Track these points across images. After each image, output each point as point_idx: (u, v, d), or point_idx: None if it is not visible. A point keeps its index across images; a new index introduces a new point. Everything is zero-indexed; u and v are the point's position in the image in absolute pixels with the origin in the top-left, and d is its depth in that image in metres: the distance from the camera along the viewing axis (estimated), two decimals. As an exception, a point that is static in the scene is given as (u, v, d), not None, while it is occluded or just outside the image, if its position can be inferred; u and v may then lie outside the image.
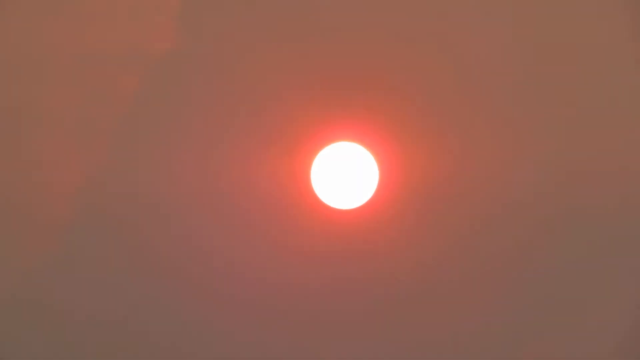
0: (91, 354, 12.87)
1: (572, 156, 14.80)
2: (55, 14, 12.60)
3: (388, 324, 13.63)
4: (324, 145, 13.63)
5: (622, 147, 14.64)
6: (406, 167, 13.67)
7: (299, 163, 13.68)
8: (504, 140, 14.42)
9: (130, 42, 12.58)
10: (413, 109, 13.79)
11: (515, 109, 14.51)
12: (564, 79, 14.42)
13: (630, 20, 15.47)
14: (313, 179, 13.51)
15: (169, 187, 13.08)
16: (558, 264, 14.58)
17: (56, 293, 12.68)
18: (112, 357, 12.81)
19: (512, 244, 14.40)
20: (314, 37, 13.49)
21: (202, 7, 13.06)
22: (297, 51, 13.39)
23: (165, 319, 13.24)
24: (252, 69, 13.36)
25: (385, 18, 13.44)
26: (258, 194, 13.28)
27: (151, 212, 12.97)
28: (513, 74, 14.11)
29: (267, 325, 13.44)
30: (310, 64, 13.44)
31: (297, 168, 13.64)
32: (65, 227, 12.79)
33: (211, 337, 13.13)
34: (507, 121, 14.44)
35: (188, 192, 13.08)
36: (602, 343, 13.77)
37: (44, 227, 12.32)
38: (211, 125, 13.36)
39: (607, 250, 14.60)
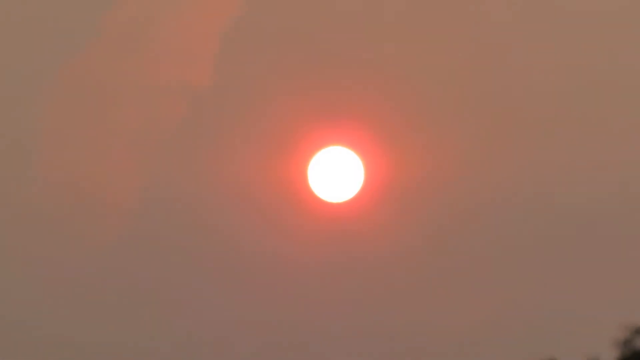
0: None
1: (535, 157, 17.56)
2: (127, 55, 16.15)
3: (369, 291, 16.36)
4: (319, 149, 16.64)
5: (582, 148, 17.47)
6: (388, 167, 16.62)
7: (298, 164, 16.72)
8: (472, 145, 17.26)
9: (178, 77, 16.14)
10: (393, 121, 16.77)
11: (482, 120, 17.49)
12: (515, 95, 17.59)
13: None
14: (310, 176, 16.45)
15: (203, 183, 16.21)
16: (522, 251, 17.22)
17: (121, 269, 15.78)
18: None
19: (481, 234, 17.13)
20: (318, 75, 16.84)
21: (234, 51, 16.58)
22: (303, 84, 16.62)
23: (200, 284, 16.17)
24: (268, 98, 16.63)
25: (366, 57, 16.64)
26: (267, 189, 16.32)
27: (186, 203, 16.10)
28: (472, 93, 17.28)
29: (270, 294, 16.25)
30: (315, 95, 16.67)
31: (296, 169, 16.67)
32: (130, 215, 15.99)
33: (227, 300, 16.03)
34: (474, 130, 17.34)
35: (216, 188, 16.14)
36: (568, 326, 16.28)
37: (114, 215, 15.46)
38: (236, 139, 16.60)
39: (574, 242, 17.18)
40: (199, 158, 17.06)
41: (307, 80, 17.79)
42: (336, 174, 16.99)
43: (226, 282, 16.41)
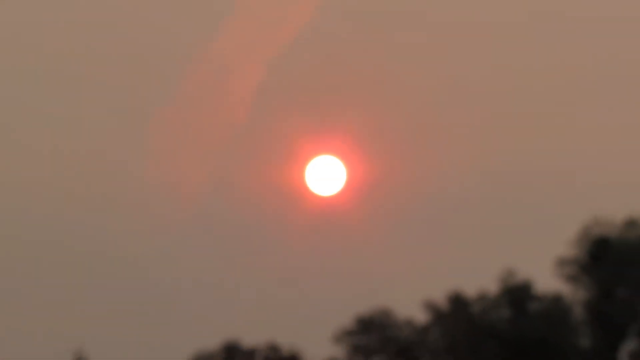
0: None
1: (489, 158, 24.81)
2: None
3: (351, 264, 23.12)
4: (313, 157, 23.16)
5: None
6: (363, 170, 23.35)
7: (300, 168, 23.31)
8: (437, 150, 24.38)
9: (216, 113, 23.10)
10: (366, 138, 23.69)
11: (444, 131, 24.60)
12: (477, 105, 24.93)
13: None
14: (306, 177, 22.97)
15: (240, 182, 23.37)
16: (479, 243, 24.14)
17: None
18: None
19: (442, 224, 24.11)
20: (313, 109, 23.92)
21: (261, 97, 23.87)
22: (310, 115, 23.62)
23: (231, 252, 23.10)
24: (285, 127, 23.57)
25: (351, 82, 23.70)
26: (279, 186, 23.20)
27: (226, 196, 23.10)
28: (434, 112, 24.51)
29: (279, 255, 23.06)
30: (311, 122, 23.63)
31: (298, 171, 23.25)
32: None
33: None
34: (439, 138, 24.55)
35: (246, 184, 23.22)
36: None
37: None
38: (256, 152, 23.48)
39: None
40: (238, 164, 24.22)
41: (306, 114, 25.11)
42: (325, 174, 23.43)
43: (249, 248, 23.16)
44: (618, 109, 26.51)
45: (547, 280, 20.38)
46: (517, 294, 20.34)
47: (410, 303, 22.39)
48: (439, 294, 20.51)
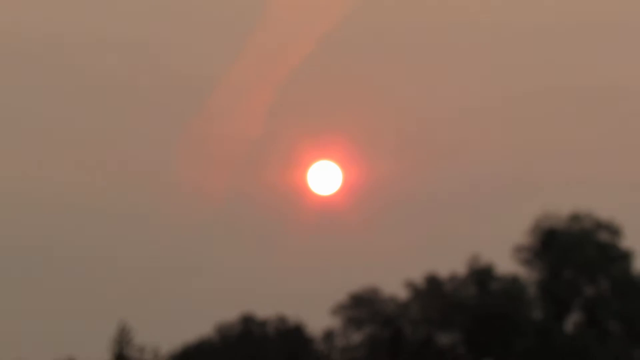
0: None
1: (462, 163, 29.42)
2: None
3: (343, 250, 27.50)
4: (314, 162, 27.60)
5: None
6: (355, 173, 27.79)
7: (303, 171, 27.86)
8: (416, 158, 28.90)
9: (233, 129, 28.07)
10: (359, 145, 28.22)
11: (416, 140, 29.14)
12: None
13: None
14: (309, 179, 27.43)
15: (251, 183, 28.42)
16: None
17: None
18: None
19: (420, 218, 28.53)
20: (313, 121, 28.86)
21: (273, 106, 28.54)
22: (311, 129, 28.56)
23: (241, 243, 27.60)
24: (291, 138, 28.45)
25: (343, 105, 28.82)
26: (285, 186, 27.77)
27: (237, 197, 27.76)
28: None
29: (284, 249, 27.66)
30: (318, 134, 28.52)
31: (301, 174, 27.77)
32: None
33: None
34: (418, 150, 29.11)
35: (257, 185, 28.00)
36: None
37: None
38: (268, 159, 28.34)
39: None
40: (253, 170, 29.26)
41: (308, 128, 30.41)
42: (324, 177, 27.83)
43: (262, 236, 27.95)
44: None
45: (506, 264, 24.74)
46: (482, 275, 24.70)
47: (393, 282, 26.72)
48: (418, 275, 24.76)
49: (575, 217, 24.63)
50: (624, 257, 24.55)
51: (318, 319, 25.23)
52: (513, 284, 24.67)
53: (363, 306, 25.45)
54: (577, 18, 34.88)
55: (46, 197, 30.97)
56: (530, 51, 35.63)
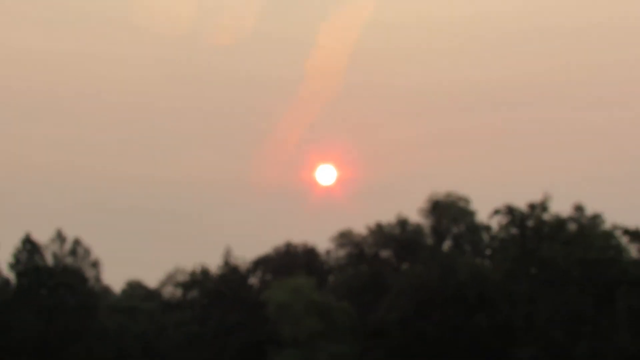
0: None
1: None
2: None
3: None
4: (319, 165, 54.96)
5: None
6: (347, 172, 54.89)
7: (312, 170, 56.56)
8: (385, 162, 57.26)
9: (281, 151, 57.82)
10: (350, 155, 55.29)
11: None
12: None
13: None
14: (316, 176, 54.49)
15: (278, 177, 57.87)
16: None
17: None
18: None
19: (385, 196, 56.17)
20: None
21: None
22: (319, 145, 57.13)
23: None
24: (307, 152, 56.67)
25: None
26: (300, 180, 57.36)
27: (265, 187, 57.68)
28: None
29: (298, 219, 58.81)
30: (324, 150, 57.01)
31: (310, 171, 56.53)
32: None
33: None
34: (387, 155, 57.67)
35: (282, 179, 57.06)
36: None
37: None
38: (296, 164, 56.43)
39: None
40: (289, 169, 61.84)
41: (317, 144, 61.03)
42: (325, 173, 55.24)
43: (286, 209, 56.48)
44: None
45: (416, 219, 51.34)
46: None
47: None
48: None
49: (448, 194, 49.94)
50: (471, 214, 50.15)
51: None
52: (418, 228, 50.44)
53: (346, 242, 51.82)
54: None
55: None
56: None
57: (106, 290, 63.56)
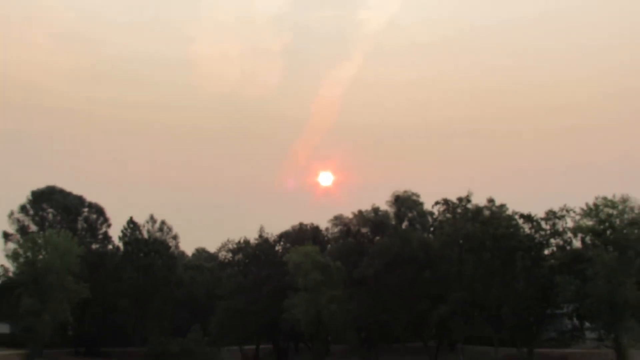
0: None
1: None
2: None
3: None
4: (321, 171, 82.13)
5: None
6: (342, 177, 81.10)
7: (315, 175, 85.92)
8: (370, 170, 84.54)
9: (296, 163, 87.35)
10: (343, 164, 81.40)
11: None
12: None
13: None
14: (319, 179, 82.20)
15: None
16: None
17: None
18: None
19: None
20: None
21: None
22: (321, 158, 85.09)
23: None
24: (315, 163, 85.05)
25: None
26: (308, 183, 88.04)
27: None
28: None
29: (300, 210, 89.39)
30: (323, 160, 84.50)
31: (314, 176, 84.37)
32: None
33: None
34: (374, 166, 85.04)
35: (301, 184, 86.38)
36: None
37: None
38: (305, 172, 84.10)
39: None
40: (300, 175, 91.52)
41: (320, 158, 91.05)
42: (325, 178, 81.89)
43: (296, 204, 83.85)
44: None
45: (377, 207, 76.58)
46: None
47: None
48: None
49: (405, 191, 74.16)
50: (421, 204, 74.33)
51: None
52: (386, 213, 75.02)
53: (339, 222, 77.13)
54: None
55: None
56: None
57: (182, 254, 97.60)
